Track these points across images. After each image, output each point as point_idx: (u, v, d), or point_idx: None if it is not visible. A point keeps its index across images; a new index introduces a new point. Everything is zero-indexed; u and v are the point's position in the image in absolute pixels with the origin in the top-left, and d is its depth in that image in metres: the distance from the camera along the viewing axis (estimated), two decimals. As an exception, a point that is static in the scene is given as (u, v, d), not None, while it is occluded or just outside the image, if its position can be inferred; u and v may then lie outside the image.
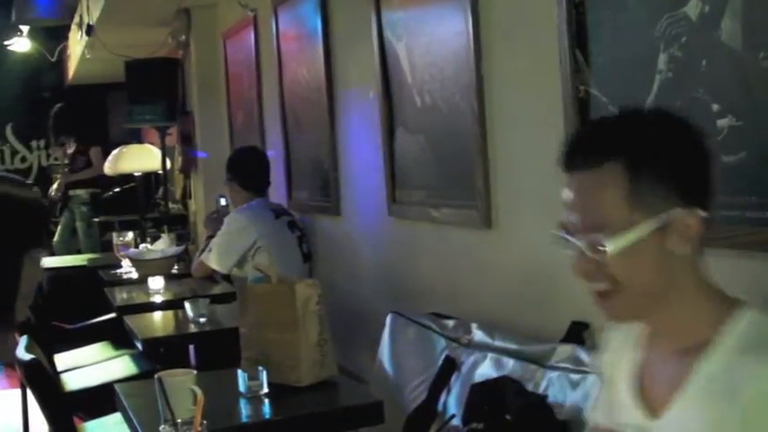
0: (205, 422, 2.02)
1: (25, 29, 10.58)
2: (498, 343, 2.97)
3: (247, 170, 5.16)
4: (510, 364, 2.83)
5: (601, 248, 1.51)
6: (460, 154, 3.41)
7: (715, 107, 2.12)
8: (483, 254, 3.39)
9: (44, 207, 2.11)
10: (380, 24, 4.04)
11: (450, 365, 3.09)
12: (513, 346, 2.89)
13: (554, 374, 2.62)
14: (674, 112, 1.60)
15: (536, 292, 3.05)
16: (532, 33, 2.96)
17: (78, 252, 9.51)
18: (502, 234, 3.22)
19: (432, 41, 3.60)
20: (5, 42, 10.81)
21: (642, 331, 1.66)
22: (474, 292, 3.47)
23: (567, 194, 1.57)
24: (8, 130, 13.26)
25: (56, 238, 10.10)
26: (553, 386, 2.60)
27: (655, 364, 1.62)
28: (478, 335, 3.09)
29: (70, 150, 10.21)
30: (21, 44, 11.04)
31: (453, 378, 3.06)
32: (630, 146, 1.53)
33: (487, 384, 2.78)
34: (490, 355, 2.94)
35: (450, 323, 3.28)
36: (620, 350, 1.71)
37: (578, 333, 2.70)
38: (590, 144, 1.58)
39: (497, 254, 3.28)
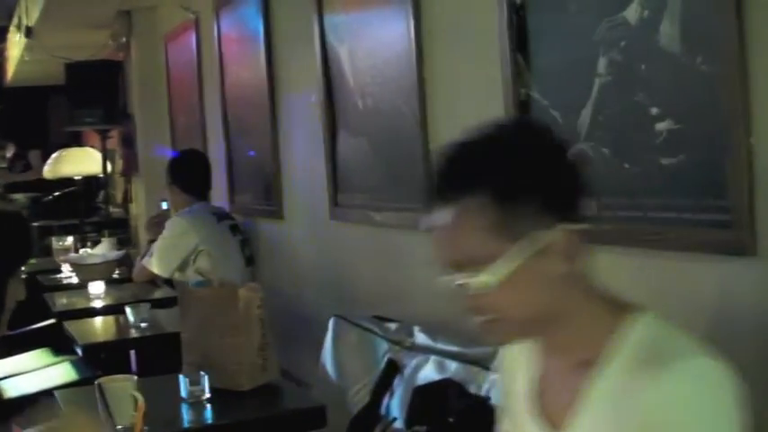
0: (146, 428, 2.01)
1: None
2: (441, 345, 2.98)
3: (188, 173, 5.12)
4: (452, 366, 2.83)
5: (476, 285, 1.46)
6: (403, 157, 3.41)
7: (654, 110, 2.14)
8: (424, 255, 3.38)
9: (26, 219, 2.07)
10: (323, 27, 4.03)
11: (393, 368, 3.09)
12: (455, 349, 2.89)
13: (496, 376, 2.63)
14: (532, 124, 1.56)
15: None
16: (474, 37, 2.97)
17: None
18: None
19: (374, 45, 3.60)
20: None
21: (536, 346, 1.63)
22: (416, 295, 3.48)
23: (436, 227, 1.52)
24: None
25: (-6, 242, 9.98)
26: (495, 388, 2.61)
27: (553, 378, 1.59)
28: (421, 337, 3.09)
29: (9, 153, 10.10)
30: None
31: (396, 381, 3.06)
32: (493, 173, 1.47)
33: (430, 387, 2.79)
34: (433, 357, 2.94)
35: (393, 326, 3.29)
36: (515, 367, 1.69)
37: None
38: (451, 176, 1.52)
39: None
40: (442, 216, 1.49)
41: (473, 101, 3.00)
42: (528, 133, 1.56)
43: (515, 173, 1.46)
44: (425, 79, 3.22)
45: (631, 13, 2.21)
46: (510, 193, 1.44)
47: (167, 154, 7.71)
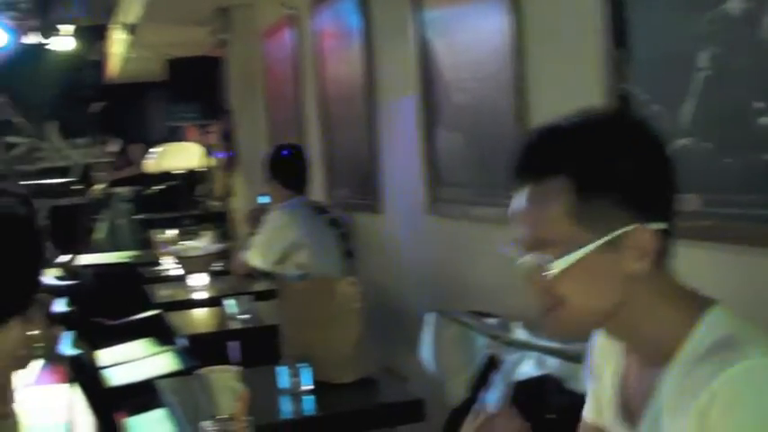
0: (247, 419, 2.04)
1: (66, 28, 10.70)
2: (540, 341, 2.97)
3: (287, 168, 5.17)
4: (552, 362, 2.82)
5: (545, 267, 1.46)
6: (500, 152, 3.40)
7: (757, 105, 2.11)
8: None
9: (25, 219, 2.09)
10: (420, 22, 4.04)
11: (492, 364, 3.09)
12: (554, 345, 2.88)
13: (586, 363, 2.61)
14: (631, 117, 1.53)
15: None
16: (573, 31, 2.96)
17: (119, 249, 9.60)
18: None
19: (471, 39, 3.60)
20: (48, 42, 10.93)
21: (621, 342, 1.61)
22: (515, 290, 3.46)
23: (514, 207, 1.51)
24: (51, 128, 13.40)
25: (98, 235, 10.21)
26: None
27: (632, 375, 1.58)
28: (520, 333, 3.08)
29: (113, 149, 10.31)
30: (63, 43, 11.16)
31: (494, 376, 3.06)
32: (576, 159, 1.46)
33: (529, 383, 2.78)
34: (532, 353, 2.94)
35: (492, 321, 3.28)
36: (605, 359, 1.68)
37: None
38: (535, 156, 1.51)
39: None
40: (522, 196, 1.49)
41: (571, 95, 2.98)
42: (620, 125, 1.53)
43: (599, 163, 1.45)
44: (523, 74, 3.21)
45: (733, 6, 2.18)
46: (591, 182, 1.44)
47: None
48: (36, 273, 1.34)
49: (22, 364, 1.41)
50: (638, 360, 1.56)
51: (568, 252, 1.44)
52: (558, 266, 1.44)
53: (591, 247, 1.43)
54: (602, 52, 2.68)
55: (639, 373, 1.55)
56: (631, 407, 1.56)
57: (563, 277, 1.45)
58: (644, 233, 1.43)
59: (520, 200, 1.50)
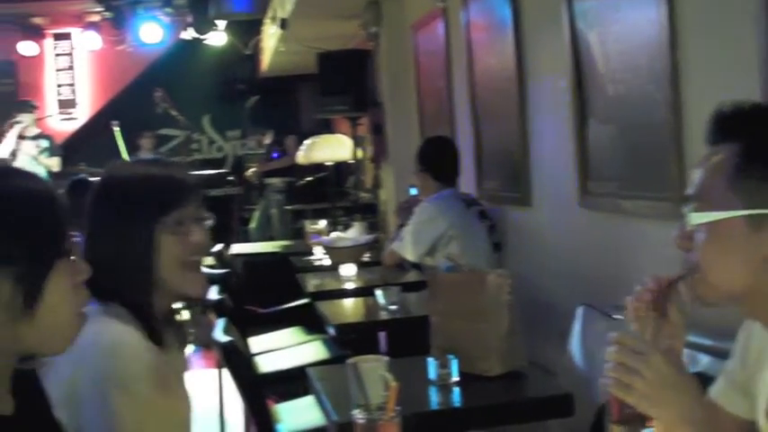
0: (398, 408, 2.06)
1: (221, 23, 10.94)
2: (692, 338, 2.90)
3: (437, 160, 5.19)
4: (704, 360, 2.76)
5: (688, 216, 1.56)
6: (654, 145, 3.35)
7: None
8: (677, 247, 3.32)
9: (160, 180, 2.19)
10: (572, 13, 4.00)
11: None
12: (707, 342, 2.82)
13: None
14: None
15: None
16: (729, 20, 2.89)
17: (272, 239, 9.78)
18: (697, 226, 3.14)
19: (624, 30, 3.54)
20: (202, 37, 11.19)
21: None
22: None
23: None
24: (205, 121, 13.73)
25: (252, 224, 10.42)
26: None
27: None
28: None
29: (266, 140, 10.50)
30: (217, 38, 11.42)
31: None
32: (750, 131, 1.54)
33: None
34: (684, 350, 2.88)
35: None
36: (762, 358, 1.65)
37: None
38: (718, 123, 1.62)
39: (692, 246, 3.21)
40: (705, 153, 1.60)
41: (727, 86, 2.91)
42: None
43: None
44: (679, 65, 3.15)
45: None
46: (757, 154, 1.51)
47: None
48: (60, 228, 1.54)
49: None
50: None
51: (712, 208, 1.52)
52: (696, 219, 1.54)
53: (735, 213, 1.49)
54: (760, 41, 2.61)
55: None
56: None
57: (703, 243, 1.54)
58: None
59: (701, 159, 1.61)
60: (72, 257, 1.56)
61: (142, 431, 1.96)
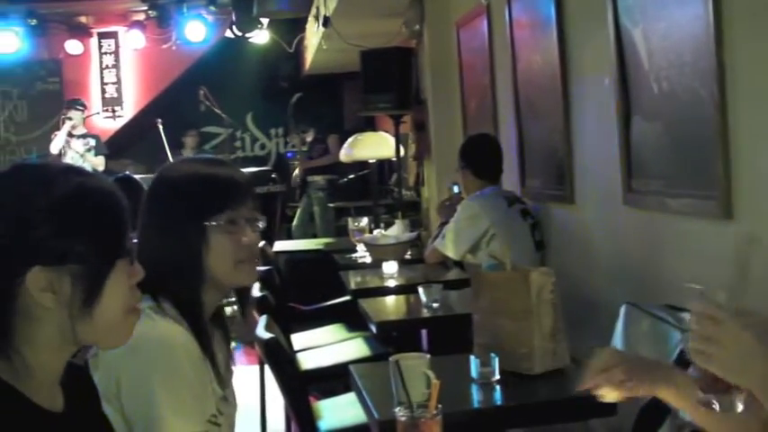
0: (440, 406, 2.05)
1: (265, 21, 10.97)
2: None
3: (480, 158, 5.18)
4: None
5: None
6: (699, 142, 3.32)
7: None
8: (722, 245, 3.29)
9: (213, 178, 2.22)
10: (616, 10, 3.97)
11: (686, 360, 3.01)
12: None
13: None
14: None
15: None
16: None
17: (314, 236, 9.80)
18: (744, 225, 3.11)
19: (669, 26, 3.51)
20: (247, 35, 11.23)
21: None
22: (712, 284, 3.37)
23: None
24: (248, 119, 13.79)
25: (294, 222, 10.47)
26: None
27: None
28: (716, 328, 3.00)
29: (309, 138, 10.53)
30: (260, 36, 11.46)
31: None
32: None
33: (725, 380, 2.70)
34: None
35: (687, 316, 3.20)
36: None
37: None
38: None
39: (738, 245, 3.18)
40: None
41: (775, 83, 2.89)
42: None
43: None
44: (725, 62, 3.12)
45: None
46: None
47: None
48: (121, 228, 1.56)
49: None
50: None
51: None
52: None
53: None
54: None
55: None
56: None
57: None
58: None
59: None
60: (131, 258, 1.57)
61: (183, 429, 1.97)
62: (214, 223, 2.14)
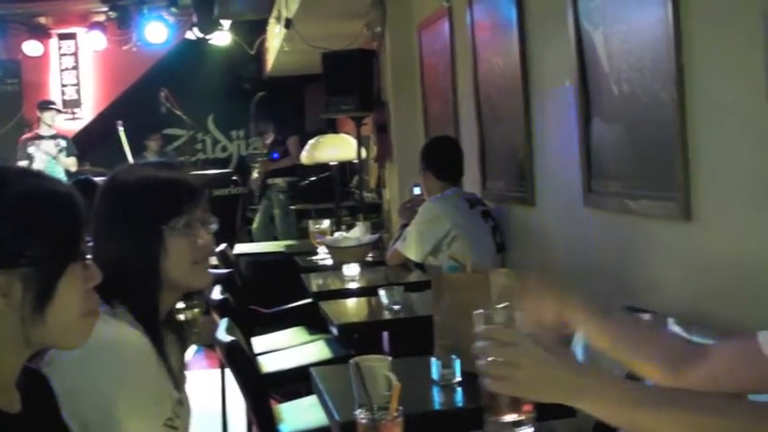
0: (400, 408, 2.05)
1: (226, 23, 10.92)
2: (695, 338, 2.89)
3: (442, 160, 5.19)
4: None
5: None
6: (659, 144, 3.34)
7: None
8: (682, 246, 3.31)
9: (173, 183, 2.22)
10: (577, 13, 3.99)
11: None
12: (710, 342, 2.81)
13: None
14: None
15: (738, 287, 2.95)
16: (736, 19, 2.87)
17: (275, 239, 9.77)
18: (703, 226, 3.13)
19: (629, 29, 3.53)
20: (207, 37, 11.19)
21: None
22: (671, 285, 3.40)
23: None
24: (210, 121, 13.74)
25: (255, 225, 10.42)
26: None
27: None
28: (675, 329, 3.02)
29: (269, 140, 10.49)
30: (221, 38, 11.41)
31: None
32: None
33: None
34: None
35: (646, 317, 3.22)
36: None
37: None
38: None
39: (697, 247, 3.20)
40: None
41: (734, 86, 2.90)
42: None
43: None
44: (684, 64, 3.14)
45: None
46: None
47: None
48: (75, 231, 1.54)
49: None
50: None
51: None
52: None
53: None
54: (765, 41, 2.59)
55: None
56: None
57: None
58: None
59: None
60: (86, 261, 1.55)
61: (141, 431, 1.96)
62: (170, 228, 2.15)
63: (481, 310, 1.82)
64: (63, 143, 11.07)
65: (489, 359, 1.64)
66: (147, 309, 2.12)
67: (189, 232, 2.17)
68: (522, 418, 1.78)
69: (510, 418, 1.78)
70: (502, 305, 1.88)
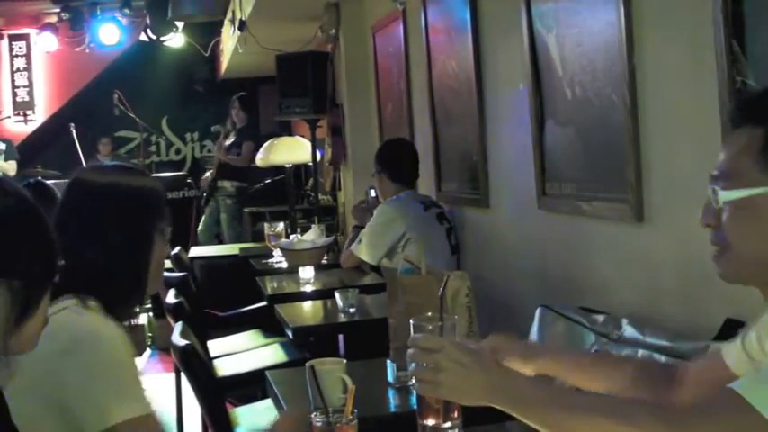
0: (356, 411, 2.05)
1: (180, 25, 10.87)
2: (649, 339, 2.93)
3: (396, 162, 5.19)
4: (661, 360, 2.78)
5: (715, 194, 1.58)
6: (612, 147, 3.36)
7: None
8: (634, 248, 3.34)
9: (158, 190, 2.33)
10: (530, 16, 4.01)
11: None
12: (664, 343, 2.84)
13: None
14: None
15: (689, 288, 2.99)
16: (686, 23, 2.91)
17: (221, 242, 9.74)
18: (654, 228, 3.17)
19: (582, 32, 3.56)
20: (162, 39, 11.12)
21: None
22: (624, 286, 3.43)
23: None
24: (163, 123, 13.66)
25: (200, 227, 10.37)
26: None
27: None
28: (629, 330, 3.05)
29: (227, 143, 10.40)
30: (175, 40, 11.35)
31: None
32: None
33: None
34: (641, 351, 2.90)
35: (600, 318, 3.25)
36: None
37: (732, 331, 2.64)
38: (741, 107, 1.69)
39: (649, 248, 3.23)
40: (730, 136, 1.64)
41: (685, 89, 2.94)
42: None
43: None
44: (636, 67, 3.17)
45: None
46: None
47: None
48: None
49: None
50: None
51: (739, 185, 1.55)
52: (724, 197, 1.56)
53: (762, 190, 1.52)
54: (718, 44, 2.63)
55: None
56: None
57: (732, 220, 1.56)
58: None
59: (726, 141, 1.66)
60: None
61: (125, 416, 1.97)
62: (158, 232, 2.26)
63: (414, 319, 2.04)
64: (2, 146, 10.94)
65: (416, 366, 1.76)
66: (124, 309, 2.20)
67: (166, 237, 2.28)
68: (448, 424, 1.95)
69: (437, 421, 1.94)
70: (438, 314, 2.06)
